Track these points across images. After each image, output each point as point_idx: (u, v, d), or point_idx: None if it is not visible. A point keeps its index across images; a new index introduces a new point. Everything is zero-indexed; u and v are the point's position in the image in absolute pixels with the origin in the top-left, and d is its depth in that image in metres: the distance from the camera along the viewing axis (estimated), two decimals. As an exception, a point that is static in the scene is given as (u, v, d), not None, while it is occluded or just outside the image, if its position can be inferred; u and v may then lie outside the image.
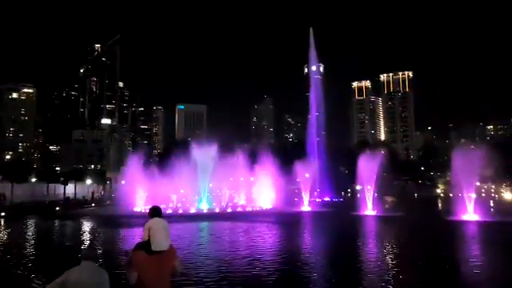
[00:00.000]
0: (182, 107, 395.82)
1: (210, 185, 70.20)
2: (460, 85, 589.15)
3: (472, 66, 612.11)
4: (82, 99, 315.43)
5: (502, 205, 68.02)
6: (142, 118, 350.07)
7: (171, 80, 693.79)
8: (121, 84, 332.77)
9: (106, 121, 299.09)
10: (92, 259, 6.07)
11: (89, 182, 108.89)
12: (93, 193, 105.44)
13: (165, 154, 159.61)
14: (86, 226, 42.38)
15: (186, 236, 31.58)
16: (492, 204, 67.25)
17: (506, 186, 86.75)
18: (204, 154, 66.51)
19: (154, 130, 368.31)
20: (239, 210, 62.66)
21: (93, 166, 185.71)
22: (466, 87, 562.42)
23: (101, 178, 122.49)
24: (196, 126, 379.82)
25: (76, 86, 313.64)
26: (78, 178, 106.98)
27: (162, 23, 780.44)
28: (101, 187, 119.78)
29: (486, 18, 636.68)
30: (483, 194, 74.76)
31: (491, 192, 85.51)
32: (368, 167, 57.07)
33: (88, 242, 29.64)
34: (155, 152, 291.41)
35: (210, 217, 51.88)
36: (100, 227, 39.92)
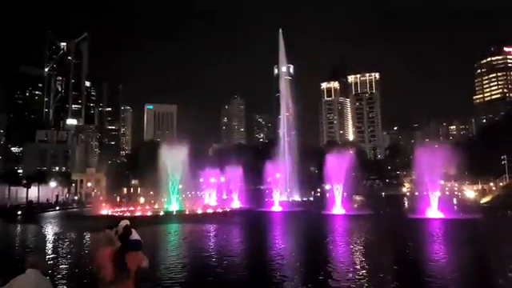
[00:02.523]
0: (151, 107, 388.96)
1: (180, 186, 69.05)
2: (424, 86, 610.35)
3: (435, 68, 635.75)
4: (46, 99, 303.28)
5: (464, 202, 70.78)
6: (109, 119, 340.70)
7: (140, 80, 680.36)
8: (87, 83, 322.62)
9: (71, 121, 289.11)
10: (38, 267, 5.65)
11: (53, 184, 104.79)
12: (57, 196, 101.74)
13: (133, 154, 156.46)
14: (48, 230, 40.60)
15: (153, 240, 30.76)
16: (455, 202, 69.84)
17: (468, 184, 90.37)
18: (173, 154, 65.26)
19: (122, 130, 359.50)
20: (210, 211, 61.93)
21: (57, 168, 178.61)
22: (429, 88, 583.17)
23: (66, 180, 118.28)
24: (166, 127, 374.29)
25: (40, 85, 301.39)
26: (42, 180, 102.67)
27: (130, 21, 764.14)
28: (66, 190, 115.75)
29: (448, 21, 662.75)
30: (447, 192, 77.56)
31: (454, 190, 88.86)
32: (337, 167, 57.90)
33: (38, 248, 27.93)
34: (123, 153, 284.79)
35: (180, 219, 50.97)
36: (63, 231, 38.32)
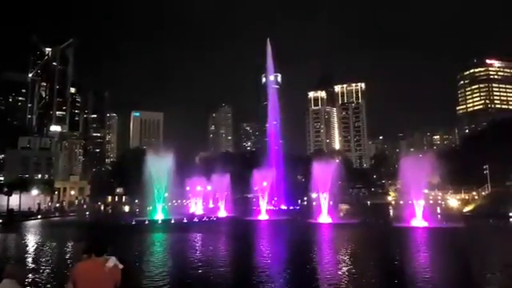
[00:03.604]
0: (138, 114, 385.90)
1: (166, 194, 68.33)
2: (409, 96, 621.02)
3: (420, 79, 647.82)
4: (29, 105, 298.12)
5: (448, 211, 71.74)
6: (94, 126, 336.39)
7: (126, 87, 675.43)
8: (72, 90, 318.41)
9: (55, 128, 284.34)
10: (15, 277, 5.51)
11: (35, 192, 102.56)
12: (39, 204, 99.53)
13: (118, 162, 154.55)
14: (30, 239, 39.64)
15: (137, 250, 30.31)
16: (439, 210, 70.72)
17: (452, 193, 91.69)
18: (160, 162, 64.65)
19: (107, 137, 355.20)
20: (196, 220, 61.39)
21: (40, 176, 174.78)
22: (414, 99, 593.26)
23: (48, 188, 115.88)
24: (152, 134, 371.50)
25: (24, 91, 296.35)
26: (24, 188, 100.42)
27: (117, 28, 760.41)
28: (48, 198, 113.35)
29: (434, 33, 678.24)
30: (431, 201, 78.47)
31: (438, 199, 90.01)
32: (323, 175, 58.11)
33: (18, 257, 27.17)
34: (108, 161, 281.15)
35: (165, 228, 50.39)
36: (44, 240, 37.46)
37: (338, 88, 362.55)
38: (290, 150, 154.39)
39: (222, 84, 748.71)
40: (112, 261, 5.98)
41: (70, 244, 33.80)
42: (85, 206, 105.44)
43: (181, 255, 27.38)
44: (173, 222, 57.82)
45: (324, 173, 58.72)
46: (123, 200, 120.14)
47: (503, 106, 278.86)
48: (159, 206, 64.45)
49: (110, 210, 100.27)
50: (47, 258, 26.50)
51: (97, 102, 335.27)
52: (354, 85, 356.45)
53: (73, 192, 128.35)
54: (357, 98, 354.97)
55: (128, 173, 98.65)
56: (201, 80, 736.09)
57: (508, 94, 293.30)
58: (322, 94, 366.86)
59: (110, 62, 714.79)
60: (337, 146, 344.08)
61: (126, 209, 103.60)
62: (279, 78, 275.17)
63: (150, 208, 67.07)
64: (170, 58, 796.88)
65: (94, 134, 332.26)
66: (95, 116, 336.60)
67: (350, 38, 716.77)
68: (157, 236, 41.49)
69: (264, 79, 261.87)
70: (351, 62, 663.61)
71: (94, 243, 6.11)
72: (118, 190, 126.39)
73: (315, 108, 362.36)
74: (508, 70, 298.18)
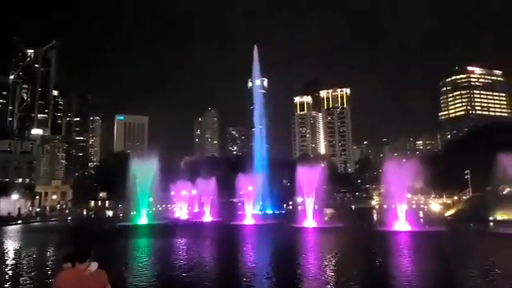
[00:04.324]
0: (122, 118, 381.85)
1: (151, 199, 67.62)
2: (393, 102, 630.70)
3: (404, 85, 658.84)
4: (11, 108, 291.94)
5: (430, 215, 72.83)
6: (77, 129, 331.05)
7: (111, 90, 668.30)
8: (55, 92, 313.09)
9: (36, 131, 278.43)
10: None
11: (15, 196, 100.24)
12: (19, 209, 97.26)
13: (101, 166, 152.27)
14: (8, 245, 38.66)
15: (120, 256, 29.88)
16: (421, 215, 71.74)
17: (434, 197, 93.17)
18: (144, 166, 64.00)
19: (91, 141, 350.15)
20: (181, 224, 60.88)
21: (20, 180, 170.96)
22: (398, 104, 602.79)
23: (29, 192, 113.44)
24: (137, 138, 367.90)
25: (5, 93, 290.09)
26: (4, 192, 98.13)
27: (102, 29, 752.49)
28: (29, 203, 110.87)
29: (419, 41, 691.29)
30: (414, 206, 79.61)
31: (421, 203, 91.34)
32: (308, 180, 58.39)
33: None
34: (91, 165, 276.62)
35: (149, 233, 49.82)
36: (24, 247, 36.58)
37: (323, 93, 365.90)
38: (276, 154, 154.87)
39: (208, 88, 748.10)
40: (94, 266, 5.87)
41: (51, 250, 33.11)
42: (67, 211, 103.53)
43: (165, 260, 27.10)
44: (157, 226, 57.21)
45: (309, 177, 58.98)
46: (106, 205, 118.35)
47: (484, 112, 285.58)
48: (143, 211, 63.72)
49: (93, 215, 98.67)
50: (27, 266, 25.85)
51: (80, 105, 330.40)
52: (339, 90, 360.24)
53: (54, 196, 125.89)
54: (342, 103, 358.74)
55: (112, 177, 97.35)
56: (188, 84, 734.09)
57: (488, 101, 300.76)
58: (308, 98, 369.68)
59: (95, 64, 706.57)
60: (322, 150, 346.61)
61: (109, 214, 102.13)
62: (265, 83, 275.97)
63: (134, 213, 66.27)
64: (156, 61, 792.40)
65: (77, 138, 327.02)
66: (78, 119, 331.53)
67: (336, 43, 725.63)
68: (141, 241, 40.99)
69: (250, 84, 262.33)
70: (337, 68, 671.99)
71: (77, 250, 5.91)
72: (101, 195, 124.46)
73: (301, 113, 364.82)
74: (488, 77, 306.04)
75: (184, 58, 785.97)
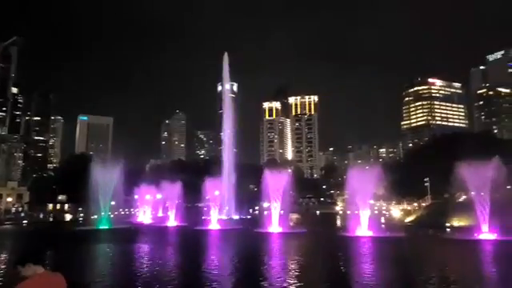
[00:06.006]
0: (85, 118, 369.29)
1: (113, 203, 65.59)
2: (358, 111, 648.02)
3: (369, 95, 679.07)
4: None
5: (391, 221, 74.99)
6: (37, 129, 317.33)
7: (74, 89, 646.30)
8: (15, 90, 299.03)
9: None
10: None
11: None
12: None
13: (62, 168, 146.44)
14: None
15: (79, 263, 28.66)
16: (383, 220, 73.71)
17: (395, 203, 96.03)
18: (107, 169, 62.03)
19: (51, 142, 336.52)
20: (144, 229, 59.38)
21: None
22: (363, 113, 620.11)
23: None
24: (100, 140, 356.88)
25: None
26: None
27: (67, 28, 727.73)
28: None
29: (383, 53, 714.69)
30: (376, 212, 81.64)
31: (382, 209, 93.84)
32: (275, 185, 58.62)
33: None
34: (51, 166, 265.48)
35: (110, 238, 48.23)
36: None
37: (292, 99, 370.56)
38: (244, 159, 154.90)
39: (177, 90, 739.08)
40: (39, 270, 5.50)
41: (3, 256, 31.29)
42: (22, 214, 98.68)
43: (125, 268, 26.23)
44: (119, 231, 55.51)
45: (276, 182, 59.20)
46: (66, 208, 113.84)
47: (443, 123, 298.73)
48: (105, 215, 61.70)
49: (51, 219, 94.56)
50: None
51: (41, 104, 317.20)
52: (307, 97, 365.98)
53: (10, 199, 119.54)
54: (310, 110, 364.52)
55: (72, 179, 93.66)
56: (156, 86, 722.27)
57: (448, 112, 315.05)
58: (277, 104, 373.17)
59: (59, 63, 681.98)
60: (289, 156, 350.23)
61: (68, 217, 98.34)
62: (235, 87, 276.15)
63: (95, 217, 64.08)
64: (123, 61, 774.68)
65: (37, 138, 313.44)
66: (39, 119, 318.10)
67: (306, 51, 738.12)
68: (101, 247, 39.57)
69: (220, 87, 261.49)
70: (306, 76, 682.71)
71: (29, 252, 5.41)
72: (61, 198, 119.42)
73: (269, 118, 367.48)
74: (448, 89, 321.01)
75: (153, 59, 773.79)
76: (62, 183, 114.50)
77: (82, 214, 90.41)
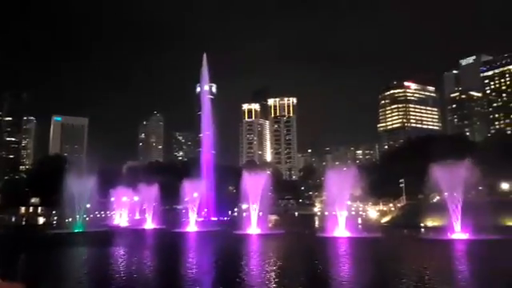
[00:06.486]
0: (59, 119, 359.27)
1: (88, 205, 64.14)
2: (336, 113, 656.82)
3: (348, 98, 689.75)
4: None
5: (367, 222, 76.31)
6: (8, 129, 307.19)
7: (48, 88, 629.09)
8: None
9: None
10: None
11: None
12: None
13: (35, 170, 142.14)
14: None
15: (53, 267, 27.86)
16: (360, 221, 74.91)
17: (371, 204, 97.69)
18: (82, 170, 60.71)
19: (24, 142, 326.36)
20: (121, 231, 58.28)
21: None
22: (341, 115, 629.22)
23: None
24: (75, 141, 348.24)
25: None
26: None
27: (41, 25, 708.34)
28: None
29: (361, 57, 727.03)
30: (353, 212, 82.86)
31: (359, 210, 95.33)
32: (254, 187, 58.67)
33: None
34: (23, 168, 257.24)
35: (85, 241, 47.13)
36: None
37: (271, 101, 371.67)
38: (223, 160, 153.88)
39: (154, 91, 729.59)
40: None
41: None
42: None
43: (100, 273, 25.66)
44: (95, 234, 54.31)
45: (255, 184, 59.29)
46: (39, 211, 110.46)
47: (418, 125, 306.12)
48: (80, 218, 60.28)
49: (24, 222, 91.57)
50: None
51: (13, 104, 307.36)
52: (286, 99, 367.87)
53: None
54: (289, 111, 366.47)
55: (45, 182, 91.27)
56: (133, 87, 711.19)
57: (422, 114, 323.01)
58: (256, 106, 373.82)
59: (32, 61, 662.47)
60: (268, 157, 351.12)
61: (42, 220, 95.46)
62: (214, 89, 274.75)
63: (70, 220, 62.51)
64: (99, 61, 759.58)
65: (8, 139, 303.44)
66: (10, 119, 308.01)
67: (285, 54, 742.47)
68: (75, 251, 38.62)
69: (198, 88, 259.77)
70: (285, 78, 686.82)
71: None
72: (34, 201, 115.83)
73: (249, 120, 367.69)
74: (422, 93, 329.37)
75: (130, 59, 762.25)
76: (34, 185, 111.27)
77: (55, 217, 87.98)
